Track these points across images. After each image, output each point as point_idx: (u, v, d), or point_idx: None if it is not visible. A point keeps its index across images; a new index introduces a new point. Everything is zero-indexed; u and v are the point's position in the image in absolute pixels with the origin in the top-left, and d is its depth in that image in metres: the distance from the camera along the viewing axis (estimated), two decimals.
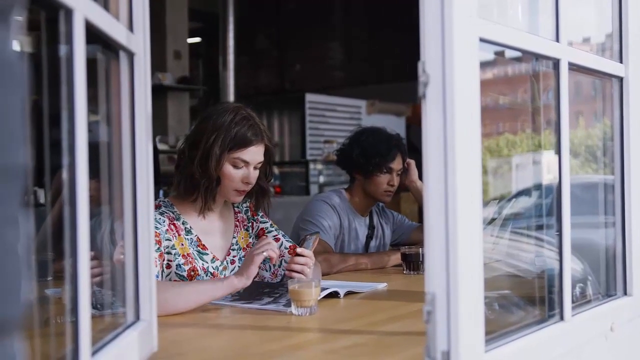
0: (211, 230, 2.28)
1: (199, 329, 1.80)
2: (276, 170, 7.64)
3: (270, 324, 1.79)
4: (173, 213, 2.21)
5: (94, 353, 1.09)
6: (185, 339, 1.67)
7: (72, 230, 1.01)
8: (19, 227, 0.59)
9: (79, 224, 1.01)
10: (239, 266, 2.29)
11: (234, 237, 2.34)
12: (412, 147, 5.87)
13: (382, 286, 2.34)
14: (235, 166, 2.19)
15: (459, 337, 1.15)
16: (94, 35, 1.11)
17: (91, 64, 1.08)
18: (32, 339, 1.02)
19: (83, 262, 1.02)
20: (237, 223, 2.37)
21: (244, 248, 2.35)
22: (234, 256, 2.32)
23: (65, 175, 1.01)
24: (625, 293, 1.81)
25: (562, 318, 1.51)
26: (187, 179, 2.20)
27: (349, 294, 2.17)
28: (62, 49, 1.02)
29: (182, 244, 2.18)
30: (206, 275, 2.20)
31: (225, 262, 2.28)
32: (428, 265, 1.17)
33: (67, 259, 1.03)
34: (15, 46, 0.59)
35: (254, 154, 2.20)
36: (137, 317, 1.37)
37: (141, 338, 1.33)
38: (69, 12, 0.99)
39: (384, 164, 2.98)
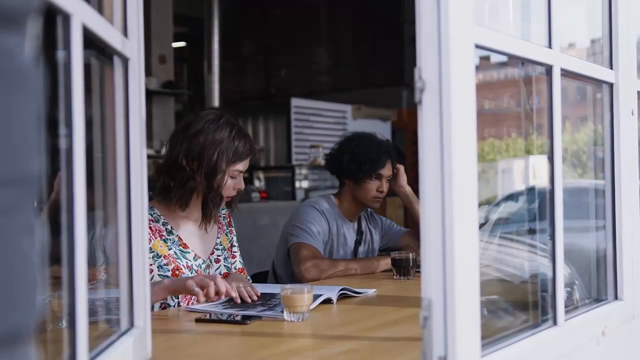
0: (194, 231, 2.35)
1: (192, 335, 1.79)
2: (262, 175, 7.63)
3: (263, 330, 1.78)
4: (152, 215, 2.24)
5: None
6: (179, 346, 1.67)
7: (69, 236, 1.00)
8: (33, 235, 0.59)
9: (76, 230, 1.00)
10: (224, 265, 2.41)
11: (218, 238, 2.43)
12: (399, 152, 5.88)
13: (372, 292, 2.34)
14: (232, 177, 2.30)
15: (455, 342, 1.15)
16: (88, 40, 1.10)
17: (85, 69, 1.08)
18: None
19: (80, 268, 1.01)
20: (220, 225, 2.46)
21: (227, 249, 2.45)
22: (218, 255, 2.40)
23: (62, 181, 1.00)
24: (616, 297, 1.82)
25: (555, 323, 1.51)
26: (189, 193, 2.26)
27: (342, 297, 2.18)
28: (59, 54, 1.01)
29: (162, 246, 2.24)
30: (190, 273, 2.26)
31: (208, 261, 2.36)
32: (424, 270, 1.17)
33: (64, 265, 1.02)
34: (30, 53, 0.59)
35: (247, 163, 2.34)
36: (132, 324, 1.36)
37: (136, 345, 1.33)
38: (66, 18, 0.99)
39: (374, 170, 2.98)
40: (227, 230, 2.49)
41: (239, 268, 2.46)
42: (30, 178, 0.57)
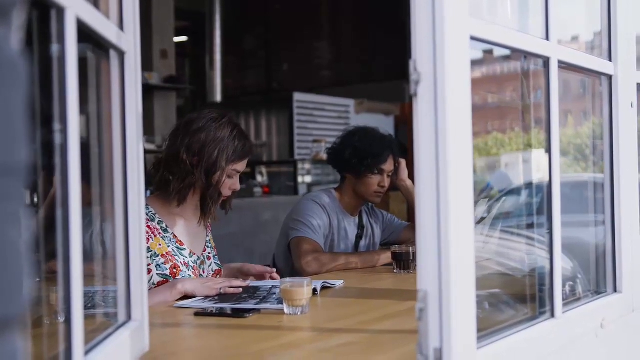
0: (187, 229, 2.38)
1: (190, 329, 1.79)
2: (264, 170, 7.63)
3: (262, 323, 1.79)
4: (147, 214, 2.25)
5: (86, 353, 1.08)
6: (177, 339, 1.67)
7: (64, 231, 1.00)
8: (21, 224, 0.59)
9: (71, 225, 1.00)
10: (215, 262, 2.45)
11: (207, 236, 2.47)
12: (400, 147, 5.90)
13: (339, 283, 2.37)
14: (229, 176, 2.32)
15: (451, 334, 1.15)
16: (84, 34, 1.10)
17: (80, 63, 1.08)
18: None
19: (75, 262, 1.01)
20: (208, 225, 2.50)
21: (214, 247, 2.50)
22: (209, 253, 2.45)
23: (57, 176, 1.00)
24: (615, 290, 1.82)
25: (553, 315, 1.51)
26: (187, 188, 2.28)
27: (324, 288, 2.23)
28: (54, 48, 1.01)
29: (160, 244, 2.26)
30: (188, 270, 2.29)
31: (202, 257, 2.40)
32: (420, 262, 1.18)
33: (59, 259, 1.02)
34: (16, 45, 0.59)
35: (245, 164, 2.37)
36: (129, 317, 1.37)
37: (133, 338, 1.33)
38: (60, 11, 0.99)
39: (376, 165, 2.98)
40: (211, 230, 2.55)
41: (216, 270, 2.47)
42: (17, 169, 0.58)
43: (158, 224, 2.29)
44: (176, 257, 2.27)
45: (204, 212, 2.34)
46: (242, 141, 2.32)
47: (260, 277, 2.43)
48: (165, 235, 2.28)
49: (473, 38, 1.24)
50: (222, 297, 2.08)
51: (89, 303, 1.38)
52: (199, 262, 2.36)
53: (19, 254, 0.58)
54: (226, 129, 2.29)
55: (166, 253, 2.25)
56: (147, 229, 2.22)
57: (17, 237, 0.58)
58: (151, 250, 2.22)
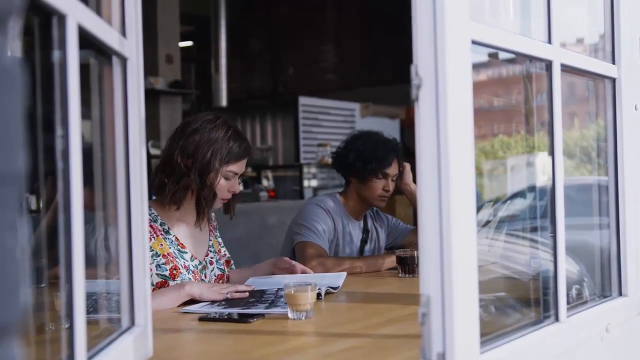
0: (189, 233, 2.38)
1: (194, 334, 1.79)
2: (270, 174, 7.63)
3: (266, 328, 1.78)
4: (150, 215, 2.26)
5: (89, 358, 1.09)
6: (181, 345, 1.67)
7: (66, 236, 1.01)
8: (17, 232, 0.59)
9: (73, 230, 1.01)
10: (217, 267, 2.44)
11: (210, 240, 2.46)
12: (406, 150, 5.89)
13: (342, 278, 2.39)
14: (226, 178, 2.32)
15: (454, 338, 1.15)
16: (86, 40, 1.11)
17: (83, 69, 1.08)
18: (26, 345, 1.02)
19: (78, 268, 1.01)
20: (211, 229, 2.50)
21: (217, 251, 2.48)
22: (211, 257, 2.44)
23: (59, 181, 1.00)
24: (620, 294, 1.81)
25: (557, 319, 1.51)
26: (182, 190, 2.28)
27: (328, 293, 2.22)
28: (55, 54, 1.02)
29: (162, 245, 2.27)
30: (188, 273, 2.29)
31: (204, 262, 2.39)
32: (423, 267, 1.17)
33: (61, 265, 1.02)
34: (13, 52, 0.59)
35: (243, 165, 2.36)
36: (132, 323, 1.37)
37: (136, 343, 1.33)
38: (62, 18, 0.99)
39: (380, 169, 2.97)
40: (217, 234, 2.54)
41: (219, 274, 2.47)
42: (13, 176, 0.58)
43: (160, 225, 2.30)
44: (177, 259, 2.27)
45: (198, 213, 2.33)
46: (238, 142, 2.31)
47: (290, 271, 2.45)
48: (167, 236, 2.29)
49: (474, 42, 1.24)
50: (229, 302, 2.08)
51: (91, 307, 1.38)
52: (200, 266, 2.36)
53: (15, 261, 0.58)
54: (220, 130, 2.29)
55: (167, 254, 2.25)
56: (149, 228, 2.22)
57: (14, 244, 0.58)
58: (152, 250, 2.22)
